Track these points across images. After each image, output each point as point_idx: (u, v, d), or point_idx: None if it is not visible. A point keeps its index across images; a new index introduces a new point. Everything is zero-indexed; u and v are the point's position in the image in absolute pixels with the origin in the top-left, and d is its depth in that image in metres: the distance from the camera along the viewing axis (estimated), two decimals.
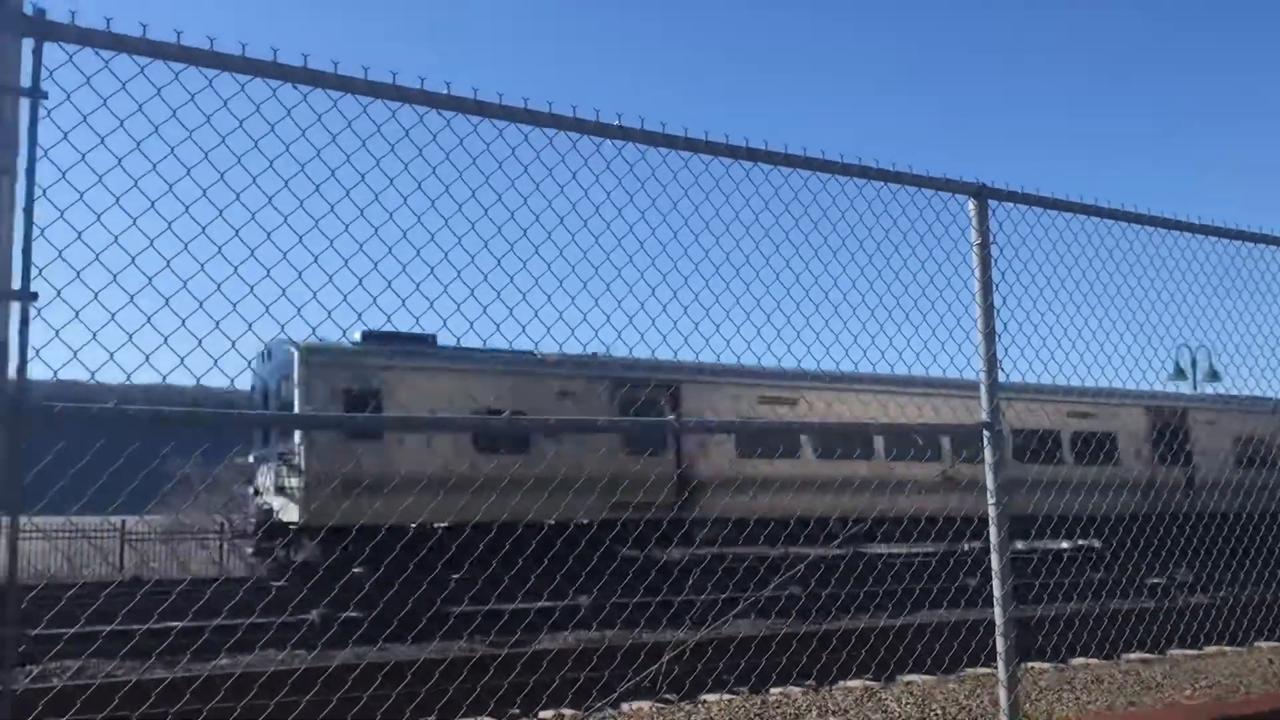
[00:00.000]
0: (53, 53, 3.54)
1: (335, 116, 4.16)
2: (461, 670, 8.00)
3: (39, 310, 3.48)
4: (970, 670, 9.57)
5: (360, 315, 4.37)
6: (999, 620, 5.41)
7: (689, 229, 5.26)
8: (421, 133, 4.38)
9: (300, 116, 4.07)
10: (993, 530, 5.47)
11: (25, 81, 3.44)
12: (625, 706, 7.93)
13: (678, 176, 5.08)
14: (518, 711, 8.23)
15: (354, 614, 14.31)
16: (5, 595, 3.40)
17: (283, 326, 4.16)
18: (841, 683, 9.45)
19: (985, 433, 5.56)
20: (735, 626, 12.53)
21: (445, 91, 4.32)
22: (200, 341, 3.84)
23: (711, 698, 8.40)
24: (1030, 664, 9.48)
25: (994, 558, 5.47)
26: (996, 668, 5.39)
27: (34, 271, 3.46)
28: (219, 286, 3.88)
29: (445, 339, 5.02)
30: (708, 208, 5.26)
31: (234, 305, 3.96)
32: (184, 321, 3.94)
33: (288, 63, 3.96)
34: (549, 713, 8.12)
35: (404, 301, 4.45)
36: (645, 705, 8.16)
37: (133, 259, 3.65)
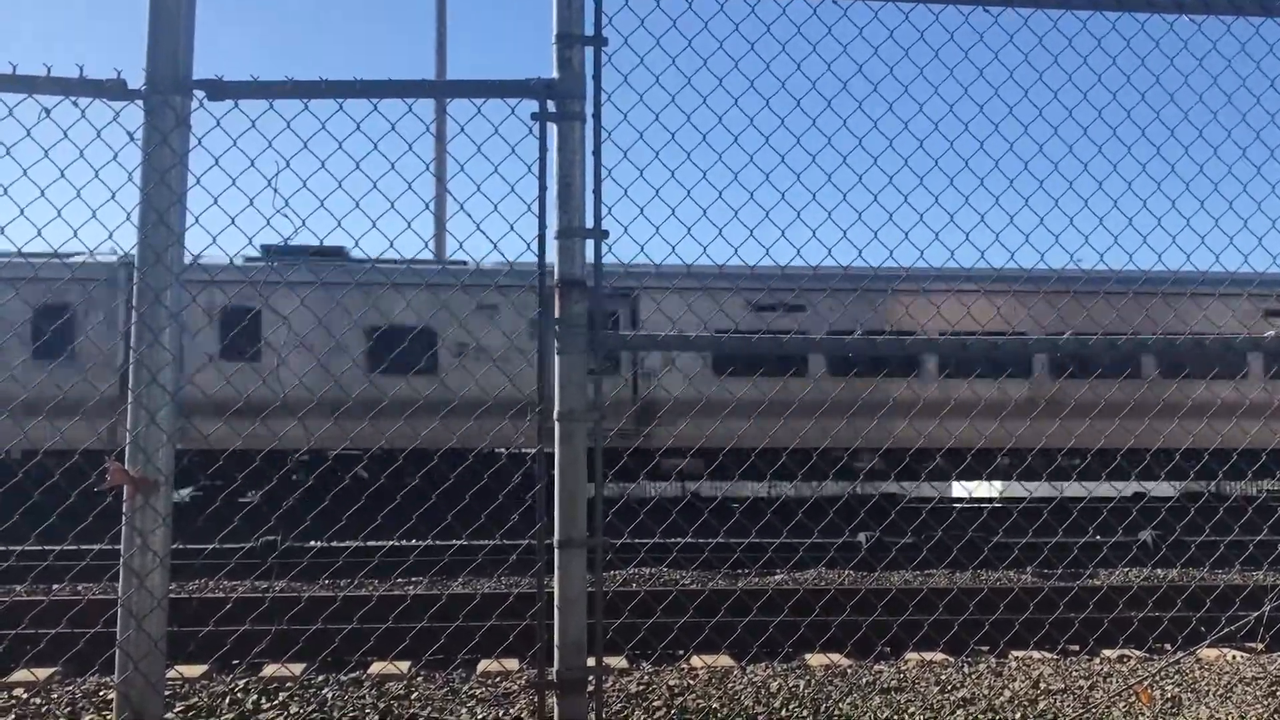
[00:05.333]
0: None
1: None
2: (1025, 602, 7.66)
3: (609, 246, 3.73)
4: None
5: (875, 234, 4.20)
6: None
7: None
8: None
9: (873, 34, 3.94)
10: None
11: (588, 30, 3.66)
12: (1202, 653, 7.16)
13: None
14: (1077, 648, 7.80)
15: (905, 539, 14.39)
16: (593, 505, 3.70)
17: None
18: None
19: None
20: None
21: None
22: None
23: None
24: None
25: None
26: None
27: (604, 210, 3.71)
28: (767, 214, 3.90)
29: None
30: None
31: (783, 233, 3.98)
32: (736, 250, 4.06)
33: None
34: (1113, 651, 7.59)
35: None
36: (1229, 653, 7.32)
37: (688, 191, 3.79)
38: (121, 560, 3.39)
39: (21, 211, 3.61)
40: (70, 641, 6.51)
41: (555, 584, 3.56)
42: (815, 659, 6.92)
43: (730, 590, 8.43)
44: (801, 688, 6.08)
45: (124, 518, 3.42)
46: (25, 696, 5.89)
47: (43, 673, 6.48)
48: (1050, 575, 10.94)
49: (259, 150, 3.72)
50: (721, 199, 3.82)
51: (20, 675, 6.54)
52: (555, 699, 3.53)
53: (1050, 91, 4.17)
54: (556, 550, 3.58)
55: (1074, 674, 6.39)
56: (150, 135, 3.52)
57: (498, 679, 6.35)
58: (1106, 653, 7.35)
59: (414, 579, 9.37)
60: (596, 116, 3.70)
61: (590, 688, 3.65)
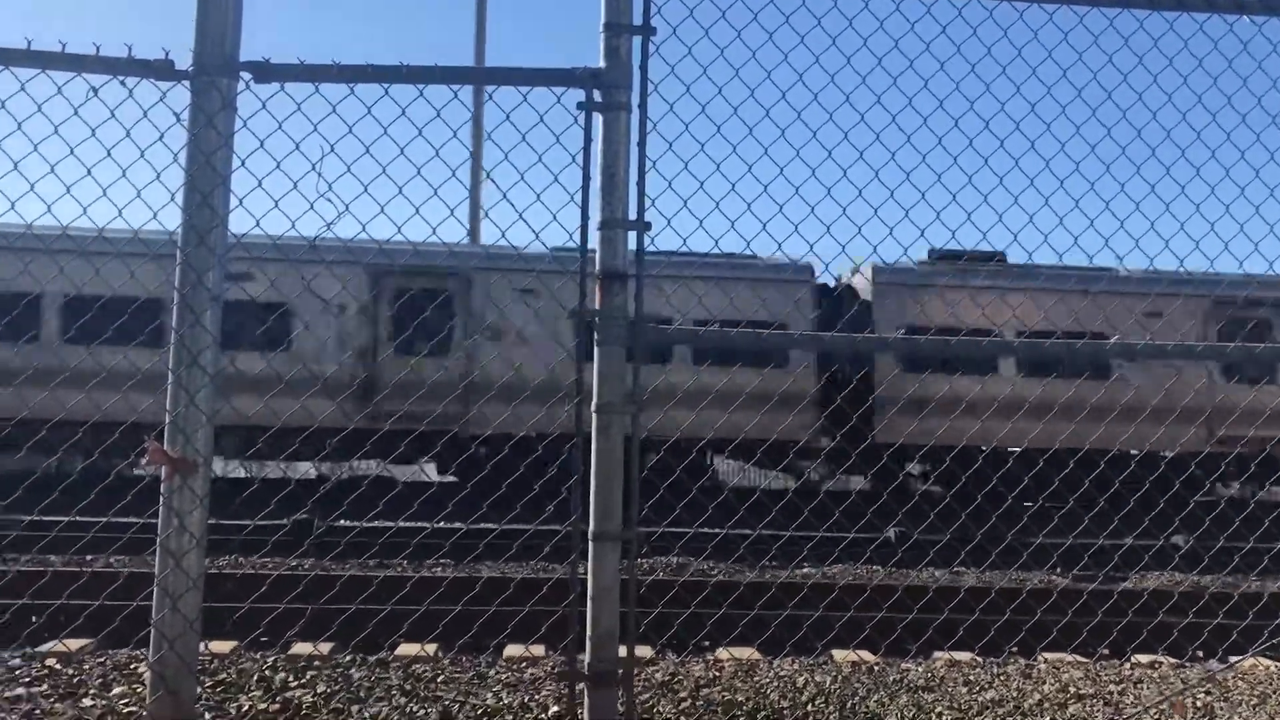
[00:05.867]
0: None
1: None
2: (1049, 602, 7.59)
3: (652, 239, 3.71)
4: None
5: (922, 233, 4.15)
6: None
7: None
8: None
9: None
10: None
11: (636, 19, 3.62)
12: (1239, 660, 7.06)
13: None
14: (1108, 651, 7.73)
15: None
16: (628, 493, 3.68)
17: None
18: None
19: None
20: None
21: None
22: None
23: None
24: None
25: None
26: None
27: (646, 203, 3.68)
28: (812, 209, 3.86)
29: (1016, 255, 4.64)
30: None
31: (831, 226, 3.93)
32: (780, 245, 4.02)
33: None
34: (1146, 656, 7.52)
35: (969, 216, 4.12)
36: (1264, 662, 7.23)
37: (732, 185, 3.75)
38: (158, 540, 3.41)
39: (68, 190, 3.62)
40: (104, 614, 6.59)
41: (589, 575, 3.55)
42: (842, 655, 6.89)
43: (759, 583, 8.41)
44: (828, 684, 6.06)
45: (161, 498, 3.43)
46: (58, 667, 5.95)
47: (76, 643, 6.55)
48: (1084, 577, 10.86)
49: (301, 135, 3.71)
50: (767, 194, 3.79)
51: (54, 648, 6.61)
52: (585, 689, 3.53)
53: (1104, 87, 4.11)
54: (591, 542, 3.57)
55: (1105, 679, 6.33)
56: (196, 116, 3.52)
57: (523, 664, 6.36)
58: (1139, 658, 7.27)
59: (443, 561, 9.41)
60: (642, 107, 3.66)
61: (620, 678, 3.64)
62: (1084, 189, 4.24)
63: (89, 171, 3.60)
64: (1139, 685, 6.18)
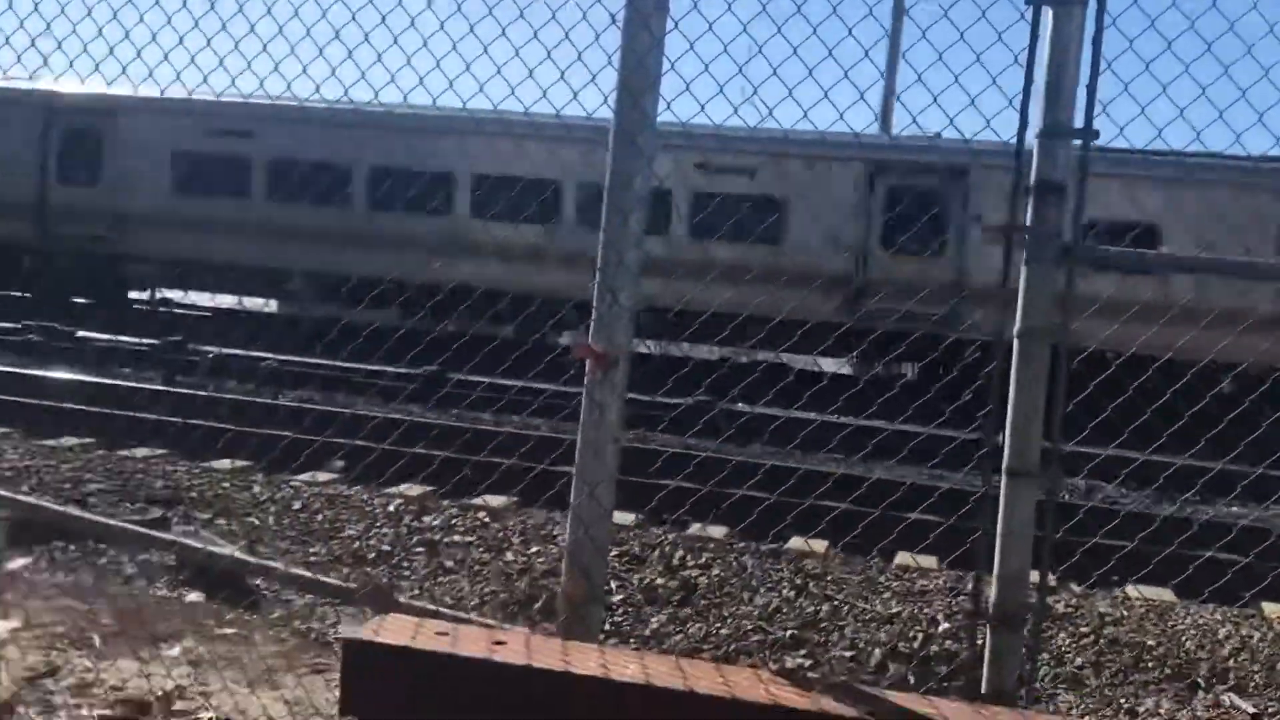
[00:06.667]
0: None
1: None
2: None
3: (1099, 150, 3.33)
4: None
5: None
6: None
7: None
8: None
9: None
10: None
11: None
12: None
13: None
14: None
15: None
16: (1050, 426, 3.40)
17: None
18: None
19: None
20: None
21: None
22: None
23: None
24: None
25: None
26: None
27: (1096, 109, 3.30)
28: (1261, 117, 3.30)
29: None
30: None
31: None
32: (1249, 155, 3.50)
33: None
34: None
35: None
36: None
37: (1203, 90, 3.29)
38: (580, 432, 3.59)
39: (512, 91, 3.82)
40: (526, 476, 7.23)
41: (1000, 512, 3.34)
42: (1274, 610, 6.20)
43: (1178, 519, 7.73)
44: (1255, 640, 5.49)
45: (584, 390, 3.60)
46: (487, 521, 6.60)
47: (497, 500, 7.22)
48: None
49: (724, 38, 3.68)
50: (1245, 100, 3.28)
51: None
52: (988, 630, 3.37)
53: None
54: (1004, 477, 3.35)
55: None
56: (631, 18, 3.55)
57: (913, 574, 6.27)
58: None
59: (836, 456, 9.38)
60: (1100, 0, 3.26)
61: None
62: None
63: (530, 74, 3.78)
64: None
